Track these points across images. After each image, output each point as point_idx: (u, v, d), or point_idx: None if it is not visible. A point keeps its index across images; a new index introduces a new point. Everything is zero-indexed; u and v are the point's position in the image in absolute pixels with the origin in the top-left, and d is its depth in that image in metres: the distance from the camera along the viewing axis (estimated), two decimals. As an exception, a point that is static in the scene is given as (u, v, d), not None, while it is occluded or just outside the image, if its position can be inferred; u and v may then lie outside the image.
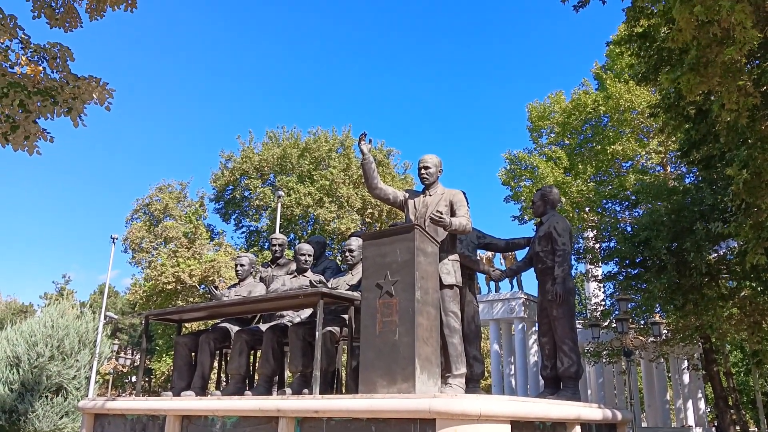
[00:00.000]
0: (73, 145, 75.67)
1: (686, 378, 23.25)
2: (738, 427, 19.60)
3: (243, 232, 29.12)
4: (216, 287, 6.57)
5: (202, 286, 23.62)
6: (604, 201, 18.79)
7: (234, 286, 6.78)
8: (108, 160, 76.77)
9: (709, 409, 26.22)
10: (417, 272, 4.35)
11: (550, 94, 23.93)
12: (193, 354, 6.17)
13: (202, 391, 5.86)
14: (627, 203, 17.65)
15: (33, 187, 74.20)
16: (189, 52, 75.27)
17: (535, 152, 23.61)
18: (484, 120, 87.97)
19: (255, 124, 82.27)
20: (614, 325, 16.93)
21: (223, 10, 78.08)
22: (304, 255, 6.37)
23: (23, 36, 5.09)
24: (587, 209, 20.21)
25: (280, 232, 22.69)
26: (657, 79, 10.12)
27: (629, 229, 15.87)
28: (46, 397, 12.85)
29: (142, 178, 79.24)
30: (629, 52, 11.72)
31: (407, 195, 5.44)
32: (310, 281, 5.70)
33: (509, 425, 3.78)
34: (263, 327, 6.12)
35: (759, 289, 12.76)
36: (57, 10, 5.45)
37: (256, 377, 6.08)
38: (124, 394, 32.86)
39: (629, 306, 16.14)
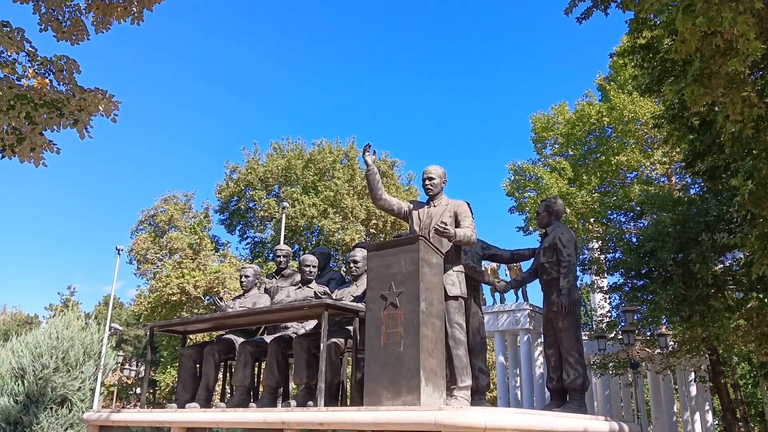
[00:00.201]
0: (79, 156, 76.17)
1: (693, 390, 23.02)
2: (746, 440, 19.40)
3: (248, 243, 29.23)
4: (221, 298, 6.54)
5: (207, 298, 23.60)
6: (609, 212, 18.72)
7: (239, 297, 6.77)
8: (113, 172, 77.21)
9: (716, 422, 25.93)
10: (422, 283, 4.33)
11: (553, 105, 24.01)
12: (197, 366, 6.15)
13: (207, 403, 5.85)
14: (632, 214, 17.61)
15: (38, 198, 74.68)
16: (194, 64, 75.86)
17: (540, 163, 23.63)
18: (488, 131, 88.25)
19: (260, 135, 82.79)
20: (620, 337, 16.81)
21: (229, 23, 78.77)
22: (308, 266, 6.36)
23: (30, 49, 5.12)
24: (592, 220, 20.15)
25: (284, 243, 22.69)
26: (661, 90, 10.15)
27: (634, 240, 15.83)
28: (51, 408, 12.82)
29: (147, 190, 79.71)
30: (633, 63, 11.76)
31: (411, 206, 5.43)
32: (315, 292, 5.68)
33: (515, 438, 3.75)
34: (268, 338, 6.10)
35: (766, 300, 12.69)
36: (64, 24, 5.50)
37: (261, 389, 6.06)
38: (128, 406, 32.78)
39: (635, 317, 16.05)
